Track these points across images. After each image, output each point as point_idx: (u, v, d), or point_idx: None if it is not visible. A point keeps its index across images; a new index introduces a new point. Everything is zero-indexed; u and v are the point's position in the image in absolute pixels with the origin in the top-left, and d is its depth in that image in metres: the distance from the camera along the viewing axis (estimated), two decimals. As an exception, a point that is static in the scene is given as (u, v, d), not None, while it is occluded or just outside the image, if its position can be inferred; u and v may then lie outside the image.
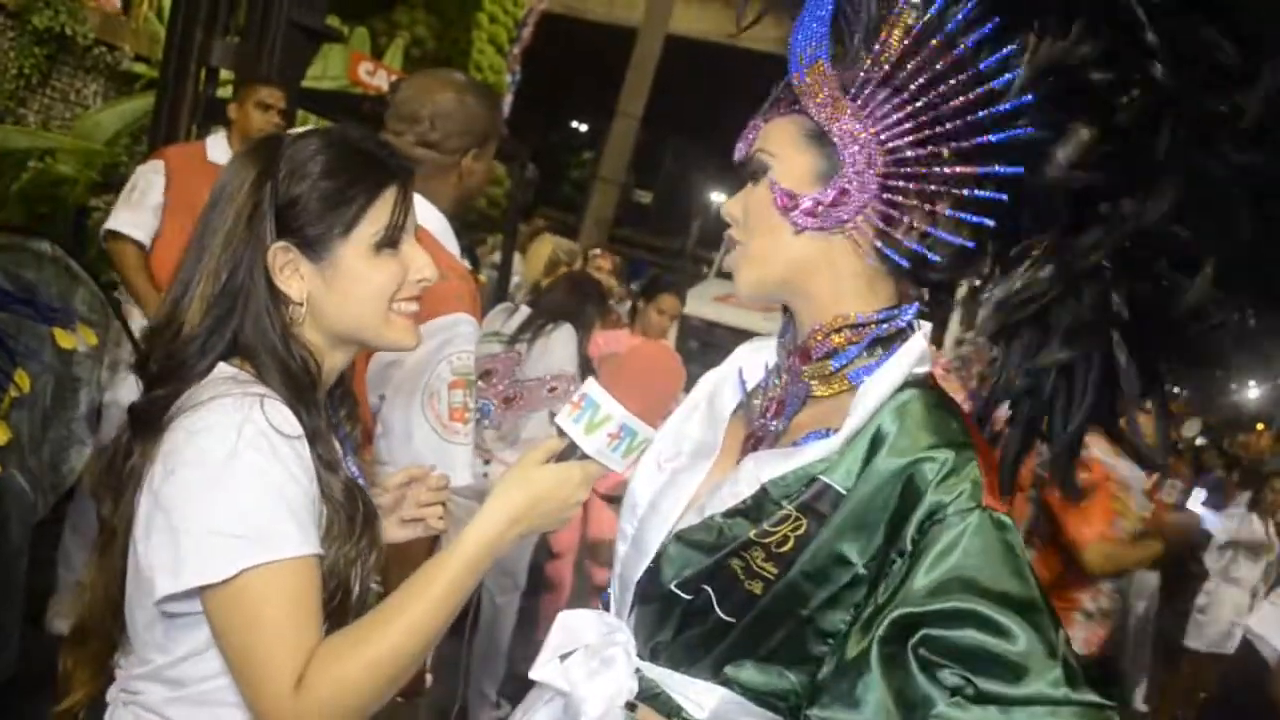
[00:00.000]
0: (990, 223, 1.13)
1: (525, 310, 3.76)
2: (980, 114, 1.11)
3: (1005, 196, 1.13)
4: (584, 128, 28.34)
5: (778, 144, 1.19)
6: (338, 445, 1.22)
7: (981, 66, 1.11)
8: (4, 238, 2.67)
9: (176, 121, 4.34)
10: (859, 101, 1.14)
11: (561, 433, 1.14)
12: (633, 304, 4.43)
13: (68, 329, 2.51)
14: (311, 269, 1.17)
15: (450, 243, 1.96)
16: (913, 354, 1.15)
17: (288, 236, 1.16)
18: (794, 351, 1.22)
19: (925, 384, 1.15)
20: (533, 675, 1.22)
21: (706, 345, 8.17)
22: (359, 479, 1.24)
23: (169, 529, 1.06)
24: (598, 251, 6.07)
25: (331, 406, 1.27)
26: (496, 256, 7.62)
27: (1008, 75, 1.11)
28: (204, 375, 1.15)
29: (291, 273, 1.17)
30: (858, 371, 1.16)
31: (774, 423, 1.21)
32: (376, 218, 1.18)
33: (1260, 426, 11.70)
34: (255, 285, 1.15)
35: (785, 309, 1.26)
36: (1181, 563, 5.71)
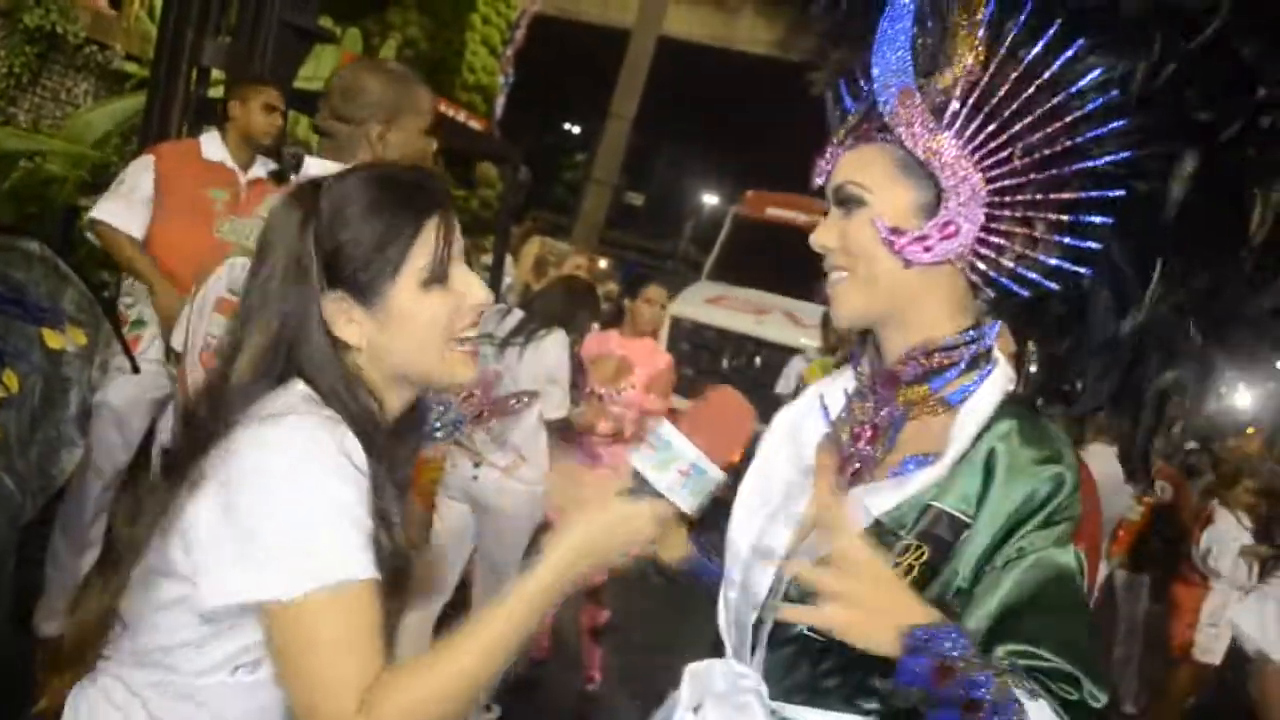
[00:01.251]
0: (1095, 245, 1.15)
1: (519, 313, 3.74)
2: (1077, 138, 1.12)
3: (1110, 219, 1.14)
4: (577, 130, 28.34)
5: (872, 176, 1.18)
6: (392, 495, 1.20)
7: (1072, 90, 1.13)
8: (-7, 237, 2.65)
9: (168, 121, 4.32)
10: (953, 130, 1.14)
11: (636, 474, 1.17)
12: (620, 305, 4.43)
13: (56, 329, 2.50)
14: (364, 313, 1.17)
15: None
16: (1005, 376, 1.18)
17: (339, 286, 1.16)
18: (879, 377, 1.23)
19: (1020, 402, 1.18)
20: None
21: (697, 347, 8.17)
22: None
23: (235, 540, 1.05)
24: (575, 250, 6.03)
25: (391, 447, 1.26)
26: (488, 258, 7.61)
27: (1099, 99, 1.13)
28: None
29: (346, 321, 1.17)
30: (956, 392, 1.18)
31: (868, 449, 1.21)
32: (422, 253, 1.17)
33: (1250, 430, 11.74)
34: (314, 334, 1.15)
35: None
36: (1174, 564, 5.71)
